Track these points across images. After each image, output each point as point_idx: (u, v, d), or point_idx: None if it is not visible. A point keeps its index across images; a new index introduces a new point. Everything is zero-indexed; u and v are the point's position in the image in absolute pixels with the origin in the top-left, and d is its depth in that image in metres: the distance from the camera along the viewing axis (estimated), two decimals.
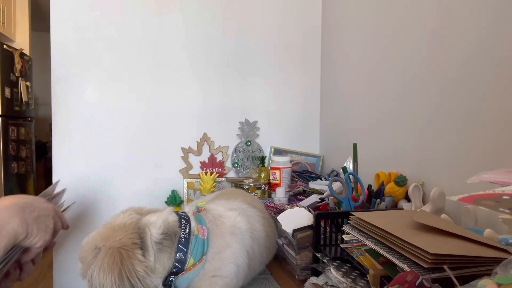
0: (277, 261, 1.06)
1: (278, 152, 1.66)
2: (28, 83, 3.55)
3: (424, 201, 1.01)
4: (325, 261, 0.82)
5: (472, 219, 0.81)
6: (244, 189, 1.45)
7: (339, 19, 1.56)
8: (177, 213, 0.82)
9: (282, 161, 1.50)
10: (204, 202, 0.92)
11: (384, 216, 0.74)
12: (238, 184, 1.48)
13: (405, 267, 0.58)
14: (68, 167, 1.46)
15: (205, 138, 1.60)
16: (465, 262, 0.56)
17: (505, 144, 0.80)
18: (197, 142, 1.60)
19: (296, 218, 0.97)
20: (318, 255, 0.86)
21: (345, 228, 0.80)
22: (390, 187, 1.06)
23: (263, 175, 1.53)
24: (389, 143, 1.22)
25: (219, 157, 1.62)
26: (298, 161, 1.68)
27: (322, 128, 1.73)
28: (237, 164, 1.63)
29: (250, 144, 1.64)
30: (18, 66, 3.30)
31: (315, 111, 1.74)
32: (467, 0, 0.90)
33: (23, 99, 3.43)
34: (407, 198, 1.05)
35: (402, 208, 1.02)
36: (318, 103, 1.74)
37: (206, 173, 1.55)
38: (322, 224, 0.90)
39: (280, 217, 1.00)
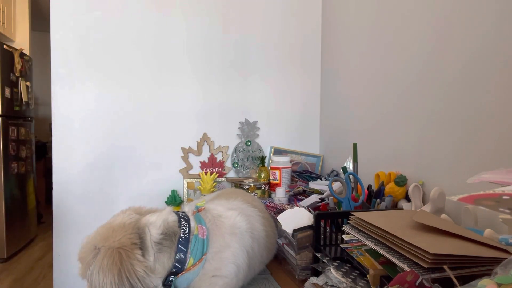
0: (277, 261, 1.06)
1: (278, 152, 1.66)
2: (28, 83, 3.54)
3: (424, 201, 1.01)
4: (325, 261, 0.82)
5: (472, 219, 0.81)
6: (244, 189, 1.45)
7: (339, 19, 1.56)
8: (177, 213, 0.82)
9: (282, 161, 1.50)
10: (203, 202, 0.91)
11: (384, 216, 0.74)
12: (238, 184, 1.48)
13: (405, 267, 0.58)
14: (68, 167, 1.46)
15: (205, 138, 1.60)
16: (465, 262, 0.56)
17: (505, 144, 0.80)
18: (197, 142, 1.60)
19: (296, 218, 0.97)
20: (318, 255, 0.86)
21: (345, 228, 0.80)
22: (390, 187, 1.06)
23: (263, 175, 1.53)
24: (389, 143, 1.21)
25: (219, 157, 1.62)
26: (298, 161, 1.68)
27: (322, 128, 1.73)
28: (237, 164, 1.63)
29: (250, 144, 1.64)
30: (18, 66, 3.30)
31: (315, 111, 1.74)
32: (467, 1, 0.90)
33: (23, 99, 3.42)
34: (407, 198, 1.05)
35: (402, 208, 1.02)
36: (318, 103, 1.74)
37: (206, 173, 1.55)
38: (322, 224, 0.90)
39: (280, 217, 1.00)
